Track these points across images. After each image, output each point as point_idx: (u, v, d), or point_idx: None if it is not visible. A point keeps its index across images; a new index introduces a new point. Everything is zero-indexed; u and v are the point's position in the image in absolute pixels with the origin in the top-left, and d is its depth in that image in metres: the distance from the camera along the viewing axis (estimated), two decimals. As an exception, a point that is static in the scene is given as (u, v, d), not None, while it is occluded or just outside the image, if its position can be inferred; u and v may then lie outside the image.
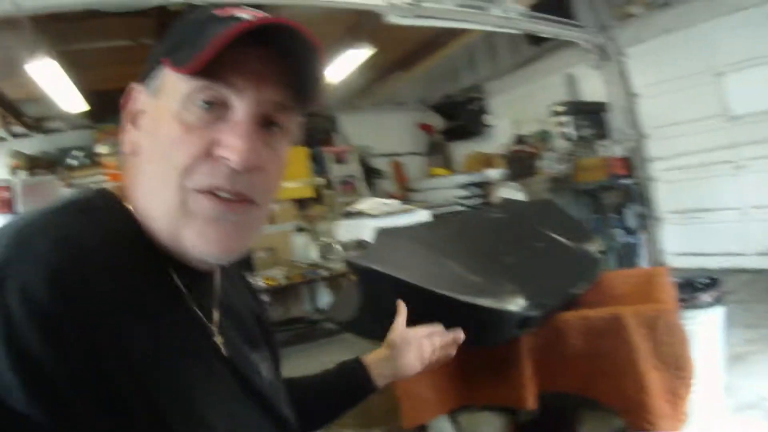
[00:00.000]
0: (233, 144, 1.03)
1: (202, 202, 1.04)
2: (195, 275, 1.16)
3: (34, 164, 10.12)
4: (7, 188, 9.38)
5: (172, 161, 1.04)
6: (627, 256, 7.68)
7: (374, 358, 1.87)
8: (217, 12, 1.10)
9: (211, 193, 1.04)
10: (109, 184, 1.21)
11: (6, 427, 0.80)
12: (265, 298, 8.09)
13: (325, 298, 9.63)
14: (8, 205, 9.37)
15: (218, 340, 1.18)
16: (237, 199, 1.06)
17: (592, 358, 2.79)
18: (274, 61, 1.06)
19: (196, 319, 1.15)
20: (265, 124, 1.08)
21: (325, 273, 8.37)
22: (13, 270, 0.85)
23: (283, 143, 1.14)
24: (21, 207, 8.02)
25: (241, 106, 1.05)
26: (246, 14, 1.08)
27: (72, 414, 0.84)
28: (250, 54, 1.04)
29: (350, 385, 1.84)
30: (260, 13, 1.09)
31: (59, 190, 9.18)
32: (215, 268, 1.24)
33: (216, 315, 1.22)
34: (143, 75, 1.14)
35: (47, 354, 0.83)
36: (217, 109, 1.05)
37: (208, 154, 1.04)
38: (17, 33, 6.79)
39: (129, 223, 1.09)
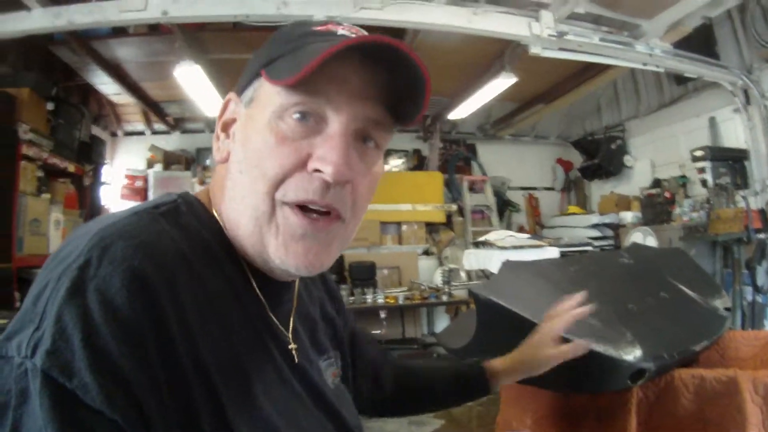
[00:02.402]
0: (328, 156, 1.04)
1: (291, 217, 1.07)
2: (274, 283, 1.19)
3: (170, 159, 10.62)
4: (143, 179, 9.86)
5: (264, 171, 1.06)
6: (753, 317, 7.35)
7: (498, 364, 1.98)
8: (317, 27, 1.12)
9: (300, 207, 1.06)
10: (197, 190, 1.25)
11: (80, 423, 0.81)
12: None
13: (442, 322, 9.63)
14: (142, 194, 10.14)
15: (293, 347, 1.21)
16: (325, 213, 1.08)
17: (700, 422, 2.68)
18: (373, 78, 1.07)
19: (273, 327, 1.18)
20: (360, 139, 1.10)
21: (445, 298, 8.35)
22: (94, 273, 0.88)
23: (376, 159, 1.15)
24: (153, 196, 8.40)
25: (337, 120, 1.06)
26: (345, 30, 1.11)
27: (144, 417, 0.86)
28: (348, 70, 1.05)
29: (462, 382, 1.93)
30: (359, 30, 1.12)
31: (191, 186, 9.57)
32: (295, 277, 1.26)
33: (292, 323, 1.26)
34: (240, 86, 1.18)
35: (124, 357, 0.85)
36: (312, 122, 1.07)
37: (301, 166, 1.06)
38: (167, 39, 7.14)
39: (212, 229, 1.13)
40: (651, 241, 7.73)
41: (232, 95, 1.19)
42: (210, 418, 0.94)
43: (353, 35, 1.07)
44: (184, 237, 1.04)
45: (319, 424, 1.21)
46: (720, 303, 3.28)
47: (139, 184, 10.27)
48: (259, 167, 1.06)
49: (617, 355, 2.46)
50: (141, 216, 1.03)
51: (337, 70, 1.03)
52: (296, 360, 1.21)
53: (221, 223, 1.14)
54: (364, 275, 8.75)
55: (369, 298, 8.24)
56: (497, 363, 1.96)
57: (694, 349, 2.86)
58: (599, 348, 2.45)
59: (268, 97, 1.08)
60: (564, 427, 2.98)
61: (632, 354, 2.49)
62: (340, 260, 8.82)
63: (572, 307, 2.14)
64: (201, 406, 0.93)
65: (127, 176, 10.39)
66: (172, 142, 11.14)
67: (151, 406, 0.86)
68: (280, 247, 1.08)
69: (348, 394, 1.45)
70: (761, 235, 7.35)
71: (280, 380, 1.14)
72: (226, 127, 1.18)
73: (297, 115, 1.06)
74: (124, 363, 0.84)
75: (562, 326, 2.03)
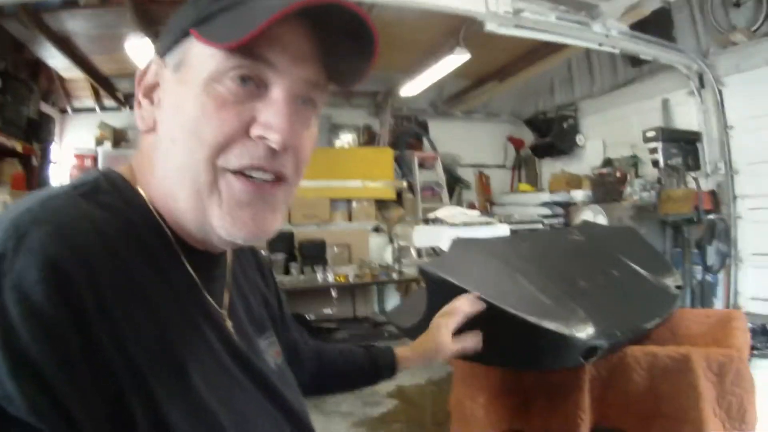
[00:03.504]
0: (273, 123, 1.00)
1: (234, 184, 1.01)
2: (207, 258, 1.14)
3: (120, 137, 10.48)
4: (93, 157, 9.73)
5: (203, 138, 1.00)
6: (703, 295, 7.46)
7: (404, 350, 2.03)
8: None
9: (243, 174, 1.01)
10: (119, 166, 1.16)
11: None
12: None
13: (393, 300, 9.64)
14: None
15: (228, 324, 1.17)
16: (271, 179, 1.03)
17: (654, 398, 2.70)
18: (318, 39, 1.04)
19: (207, 306, 1.12)
20: (299, 101, 1.06)
21: (396, 276, 8.35)
22: (8, 265, 0.82)
23: (314, 120, 1.11)
24: None
25: (281, 85, 1.02)
26: None
27: (73, 422, 0.81)
28: (292, 32, 1.01)
29: (372, 362, 1.95)
30: None
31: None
32: (227, 249, 1.22)
33: (227, 298, 1.21)
34: (162, 47, 1.10)
35: (45, 358, 0.79)
36: (253, 86, 1.01)
37: (243, 132, 1.01)
38: (118, 12, 7.03)
39: (136, 205, 1.06)
40: (601, 220, 7.80)
41: (153, 57, 1.11)
42: (143, 412, 0.88)
43: None
44: (104, 217, 0.97)
45: (260, 407, 1.16)
46: (671, 281, 3.29)
47: (88, 163, 9.99)
48: (196, 134, 1.00)
49: (569, 332, 2.44)
50: (58, 198, 0.97)
51: (280, 31, 0.98)
52: (233, 339, 1.15)
53: (147, 198, 1.08)
54: (315, 253, 8.73)
55: (320, 276, 8.23)
56: (405, 349, 2.02)
57: (646, 327, 2.86)
58: (551, 325, 2.44)
59: (202, 59, 1.02)
60: (517, 405, 2.99)
61: (584, 331, 2.48)
62: (290, 238, 8.79)
63: (467, 304, 2.21)
64: (132, 400, 0.87)
65: (76, 155, 10.13)
66: (123, 119, 10.93)
67: (79, 410, 0.81)
68: (225, 216, 1.03)
69: (290, 374, 1.40)
70: (711, 216, 7.46)
71: (216, 363, 1.08)
72: (149, 93, 1.10)
73: (238, 79, 1.00)
74: (46, 366, 0.79)
75: (453, 325, 2.11)
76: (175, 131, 1.03)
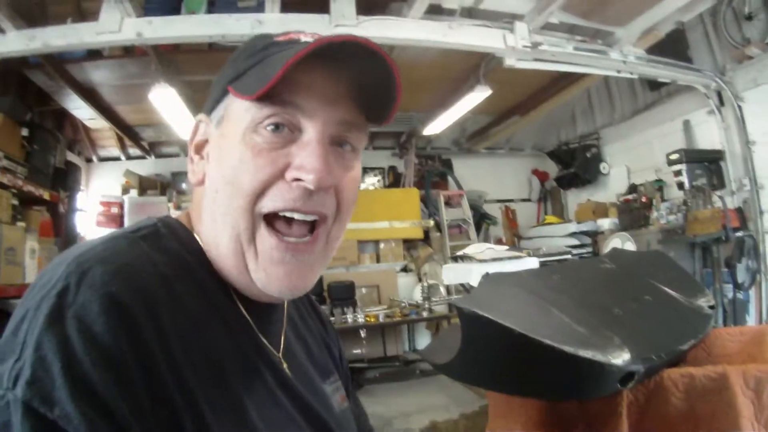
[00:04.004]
0: (307, 164, 1.02)
1: (267, 241, 1.06)
2: (261, 304, 1.16)
3: (145, 185, 10.65)
4: (119, 204, 9.84)
5: (240, 186, 1.04)
6: (735, 314, 7.39)
7: None
8: (279, 38, 1.12)
9: (278, 227, 1.06)
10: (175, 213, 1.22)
11: None
12: (360, 333, 8.11)
13: (423, 338, 9.61)
14: (118, 221, 10.14)
15: (285, 367, 1.18)
16: (312, 219, 1.08)
17: (692, 420, 2.67)
18: (340, 79, 1.06)
19: (263, 348, 1.14)
20: (336, 144, 1.08)
21: (425, 314, 8.33)
22: (73, 299, 0.85)
23: (354, 162, 1.13)
24: (129, 223, 8.51)
25: (312, 127, 1.04)
26: (308, 37, 1.09)
27: None
28: (316, 75, 1.04)
29: None
30: (319, 35, 1.08)
31: (167, 211, 9.56)
32: (279, 300, 1.23)
33: (283, 342, 1.22)
34: (208, 106, 1.16)
35: (105, 384, 0.82)
36: (287, 132, 1.05)
37: (279, 176, 1.04)
38: (142, 62, 7.13)
39: (193, 251, 1.10)
40: (630, 246, 7.76)
41: (201, 116, 1.17)
42: None
43: (315, 40, 1.01)
44: (164, 260, 1.00)
45: None
46: (704, 301, 3.28)
47: (114, 210, 10.22)
48: (235, 183, 1.04)
49: (605, 359, 2.43)
50: (119, 240, 1.00)
51: (303, 76, 1.02)
52: (291, 380, 1.17)
53: (202, 245, 1.12)
54: (344, 295, 8.72)
55: (349, 317, 8.21)
56: None
57: (682, 349, 2.85)
58: (587, 354, 2.43)
59: (239, 113, 1.06)
60: (555, 435, 2.96)
61: (620, 358, 2.47)
62: (320, 280, 8.75)
63: None
64: (187, 428, 0.89)
65: (102, 203, 10.33)
66: (147, 167, 11.12)
67: None
68: (260, 271, 1.07)
69: (353, 421, 1.40)
70: (739, 234, 7.41)
71: (273, 402, 1.10)
72: (199, 149, 1.16)
73: (270, 127, 1.04)
74: (105, 391, 0.81)
75: None
76: (218, 182, 1.07)
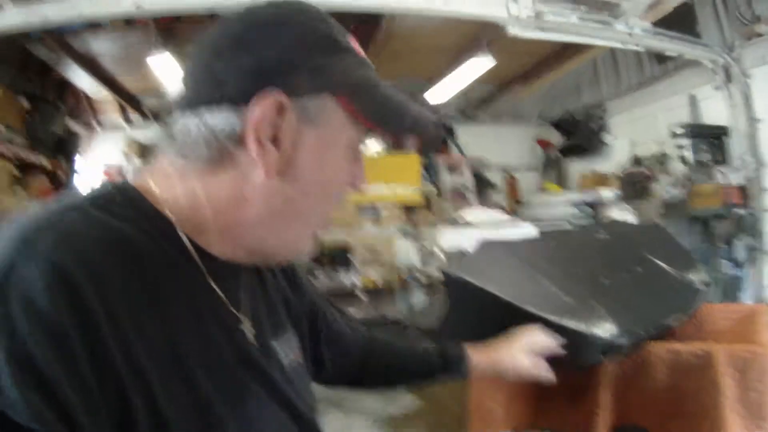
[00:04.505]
0: (362, 178, 1.23)
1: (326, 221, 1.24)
2: (225, 265, 1.15)
3: (147, 152, 10.60)
4: (121, 172, 9.87)
5: (333, 198, 1.20)
6: (731, 290, 7.40)
7: (479, 353, 1.99)
8: (349, 41, 1.17)
9: None
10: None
11: None
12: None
13: (421, 303, 9.63)
14: None
15: (246, 328, 1.18)
16: None
17: (676, 396, 2.68)
18: None
19: (221, 311, 1.13)
20: None
21: (423, 279, 8.34)
22: (16, 275, 0.83)
23: None
24: None
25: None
26: (355, 44, 1.18)
27: (77, 427, 0.82)
28: None
29: (447, 365, 1.95)
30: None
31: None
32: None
33: (244, 301, 1.21)
34: (291, 86, 1.06)
35: (51, 366, 0.80)
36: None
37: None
38: (142, 31, 7.12)
39: (152, 217, 1.06)
40: (630, 218, 7.74)
41: (283, 99, 1.04)
42: (147, 419, 0.90)
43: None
44: (116, 226, 0.98)
45: (268, 412, 1.18)
46: (696, 276, 3.27)
47: (117, 178, 10.07)
48: (331, 194, 1.19)
49: (589, 330, 2.44)
50: (67, 207, 0.99)
51: None
52: (246, 344, 1.17)
53: (170, 213, 1.08)
54: (341, 257, 8.71)
55: (346, 280, 8.21)
56: (476, 353, 1.94)
57: (669, 323, 2.85)
58: (571, 324, 2.44)
59: (340, 123, 1.12)
60: (537, 404, 2.99)
61: (605, 329, 2.48)
62: (317, 242, 8.74)
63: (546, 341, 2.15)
64: (137, 407, 0.89)
65: (104, 171, 10.33)
66: (150, 134, 11.06)
67: (83, 416, 0.82)
68: (312, 243, 1.23)
69: (306, 376, 1.41)
70: (740, 210, 7.40)
71: (226, 369, 1.09)
72: (276, 137, 1.06)
73: (360, 147, 1.20)
74: (51, 373, 0.79)
75: (543, 346, 1.97)
76: (312, 186, 1.12)
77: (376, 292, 8.81)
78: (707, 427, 2.55)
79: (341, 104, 1.08)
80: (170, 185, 1.10)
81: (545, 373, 2.08)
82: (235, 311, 1.17)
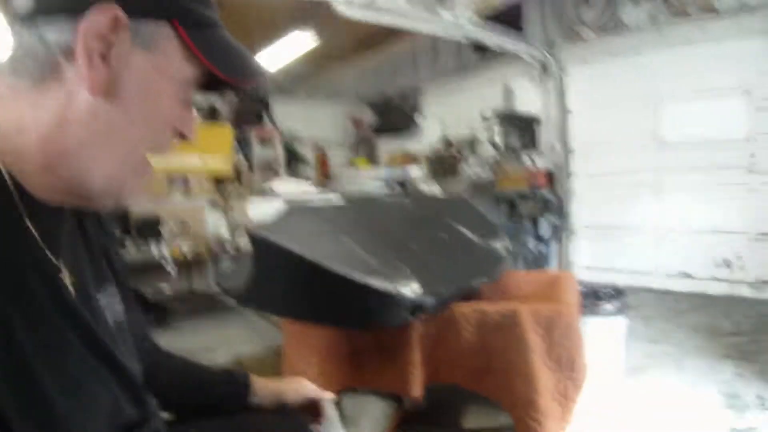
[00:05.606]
0: (191, 130, 1.16)
1: (149, 168, 1.12)
2: (52, 211, 1.08)
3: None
4: None
5: (160, 134, 1.10)
6: (537, 264, 7.80)
7: (263, 381, 1.82)
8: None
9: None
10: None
11: None
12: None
13: (229, 270, 9.57)
14: None
15: (66, 279, 1.10)
16: None
17: (484, 353, 2.78)
18: None
19: (41, 260, 1.05)
20: None
21: (232, 250, 8.31)
22: None
23: None
24: None
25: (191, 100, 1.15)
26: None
27: None
28: None
29: (231, 388, 1.76)
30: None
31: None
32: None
33: (66, 249, 1.14)
34: (127, 3, 0.99)
35: None
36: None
37: (174, 128, 1.13)
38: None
39: None
40: (437, 193, 7.99)
41: (120, 14, 0.97)
42: None
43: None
44: None
45: (90, 369, 1.10)
46: (500, 244, 3.38)
47: None
48: (157, 129, 1.09)
49: (394, 289, 2.47)
50: None
51: None
52: (66, 296, 1.08)
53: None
54: (150, 228, 8.53)
55: (155, 251, 8.06)
56: (261, 381, 1.86)
57: (473, 285, 2.93)
58: (376, 283, 2.47)
59: (175, 54, 1.05)
60: (350, 364, 3.02)
61: (409, 288, 2.52)
62: (126, 212, 8.57)
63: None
64: None
65: None
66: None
67: None
68: (138, 189, 1.12)
69: (128, 333, 1.34)
70: (544, 191, 7.80)
71: (46, 322, 1.01)
72: (108, 54, 0.98)
73: (193, 92, 1.12)
74: None
75: (310, 393, 1.90)
76: (138, 114, 1.04)
77: (185, 264, 8.70)
78: (520, 381, 2.67)
79: (178, 35, 1.03)
80: (0, 107, 1.01)
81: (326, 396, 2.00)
82: (54, 259, 1.08)
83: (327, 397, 1.93)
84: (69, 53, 0.96)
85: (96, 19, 0.94)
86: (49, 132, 0.98)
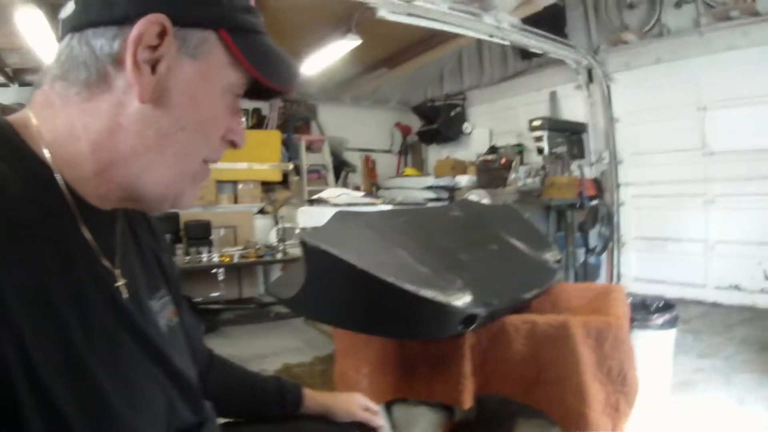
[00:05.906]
0: (241, 134, 1.20)
1: (206, 172, 1.18)
2: (104, 216, 1.11)
3: (7, 114, 10.17)
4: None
5: (211, 140, 1.14)
6: (586, 276, 7.71)
7: (313, 393, 1.84)
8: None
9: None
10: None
11: None
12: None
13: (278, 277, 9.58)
14: None
15: (120, 283, 1.12)
16: None
17: (535, 365, 2.76)
18: None
19: (96, 265, 1.08)
20: None
21: (280, 256, 8.32)
22: None
23: None
24: None
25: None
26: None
27: None
28: None
29: (281, 398, 1.78)
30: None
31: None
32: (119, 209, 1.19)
33: (120, 255, 1.16)
34: (180, 13, 1.03)
35: None
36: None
37: (224, 137, 1.17)
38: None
39: (27, 158, 1.01)
40: (485, 201, 7.94)
41: (166, 22, 1.00)
42: (21, 375, 0.86)
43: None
44: None
45: (145, 371, 1.13)
46: (550, 256, 3.37)
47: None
48: (207, 134, 1.12)
49: (446, 300, 2.47)
50: None
51: None
52: (121, 299, 1.11)
53: (48, 156, 1.02)
54: (200, 234, 8.56)
55: (204, 257, 8.11)
56: (311, 393, 1.87)
57: (525, 297, 2.93)
58: (428, 294, 2.46)
59: (224, 63, 1.08)
60: (400, 374, 3.02)
61: (462, 300, 2.51)
62: (176, 218, 8.62)
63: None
64: (10, 363, 0.85)
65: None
66: (10, 95, 10.54)
67: None
68: (194, 195, 1.17)
69: (183, 337, 1.36)
70: (594, 202, 7.74)
71: (102, 325, 1.04)
72: (155, 64, 1.02)
73: (239, 97, 1.15)
74: None
75: (359, 414, 1.88)
76: (187, 121, 1.07)
77: (234, 270, 8.74)
78: (571, 394, 2.65)
79: (224, 42, 1.06)
80: (51, 115, 1.05)
81: (377, 421, 1.99)
82: (109, 264, 1.11)
83: (377, 421, 1.94)
84: (118, 62, 1.00)
85: (144, 29, 0.97)
86: (100, 139, 1.02)
